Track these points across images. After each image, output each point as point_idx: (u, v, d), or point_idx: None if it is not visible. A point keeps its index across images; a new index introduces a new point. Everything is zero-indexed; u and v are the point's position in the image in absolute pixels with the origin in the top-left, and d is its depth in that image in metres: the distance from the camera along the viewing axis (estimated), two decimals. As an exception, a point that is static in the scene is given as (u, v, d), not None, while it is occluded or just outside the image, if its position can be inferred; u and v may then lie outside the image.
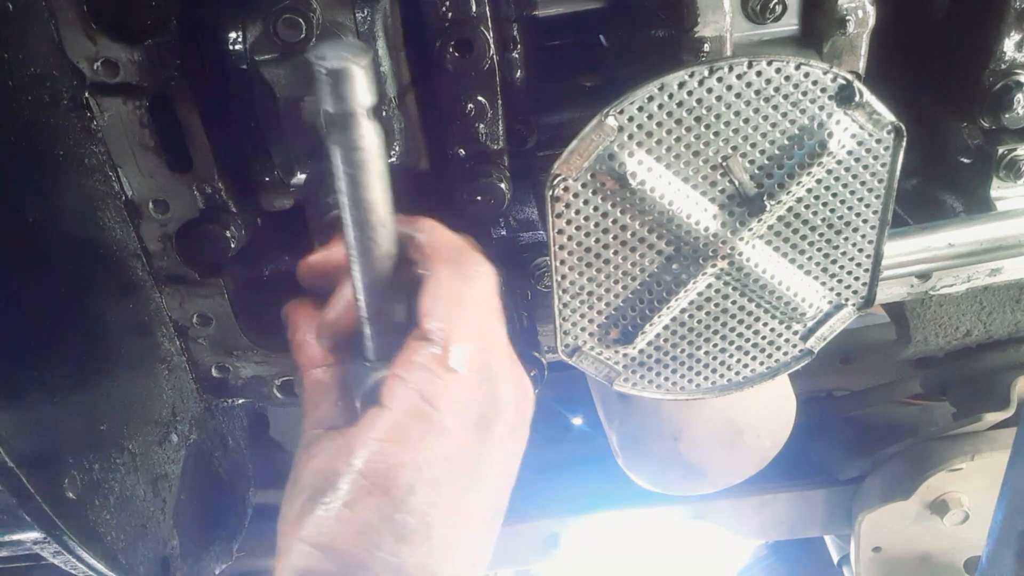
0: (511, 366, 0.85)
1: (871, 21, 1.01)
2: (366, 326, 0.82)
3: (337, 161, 0.74)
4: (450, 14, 1.01)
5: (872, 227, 1.01)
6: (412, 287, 0.82)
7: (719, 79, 0.89)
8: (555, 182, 0.92)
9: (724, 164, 0.93)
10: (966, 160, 1.24)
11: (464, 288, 0.80)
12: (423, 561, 0.75)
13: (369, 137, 0.73)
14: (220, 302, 1.21)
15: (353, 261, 0.79)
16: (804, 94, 0.91)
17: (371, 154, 0.74)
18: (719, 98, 0.90)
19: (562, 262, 0.98)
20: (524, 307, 1.23)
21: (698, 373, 1.10)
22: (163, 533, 1.18)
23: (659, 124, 0.90)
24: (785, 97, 0.91)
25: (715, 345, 1.08)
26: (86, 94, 1.00)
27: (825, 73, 0.90)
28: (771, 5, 0.99)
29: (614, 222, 0.96)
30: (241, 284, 1.23)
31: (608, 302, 1.02)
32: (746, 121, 0.91)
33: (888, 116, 0.93)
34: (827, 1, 0.99)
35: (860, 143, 0.95)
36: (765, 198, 0.95)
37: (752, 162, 0.94)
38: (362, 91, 0.70)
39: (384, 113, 1.09)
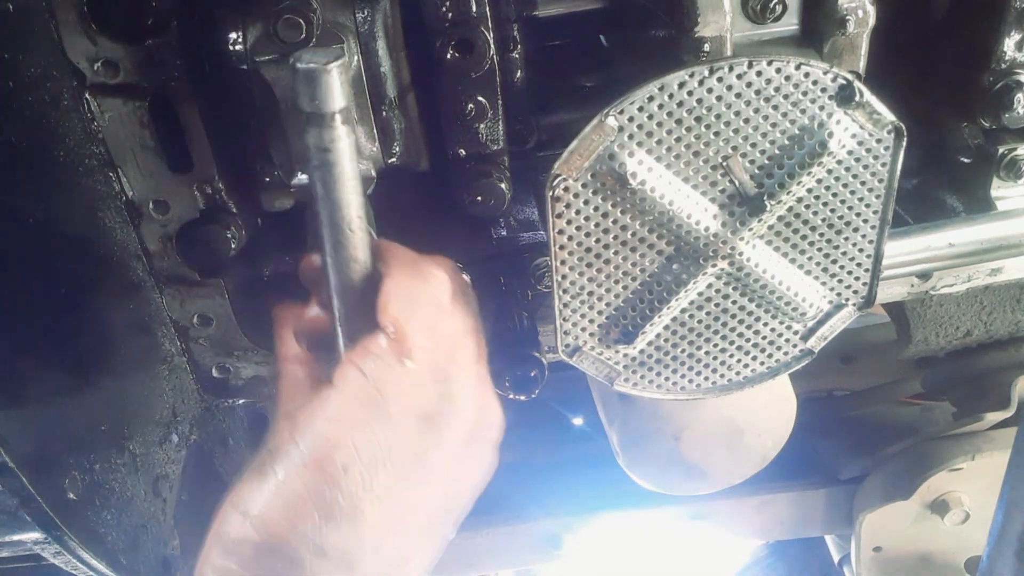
0: (473, 380, 0.87)
1: (871, 21, 1.01)
2: (338, 325, 0.84)
3: (310, 161, 0.76)
4: (450, 14, 1.01)
5: (872, 227, 1.01)
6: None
7: (719, 79, 0.89)
8: (555, 182, 0.92)
9: (724, 164, 0.93)
10: (966, 160, 1.24)
11: (418, 287, 0.83)
12: (346, 544, 0.76)
13: (340, 139, 0.75)
14: (220, 302, 1.21)
15: (326, 261, 0.81)
16: (804, 94, 0.91)
17: (341, 156, 0.75)
18: (719, 98, 0.90)
19: (562, 262, 0.98)
20: (524, 307, 1.23)
21: (698, 373, 1.10)
22: (164, 533, 1.18)
23: (659, 124, 0.90)
24: (785, 97, 0.91)
25: (715, 345, 1.08)
26: (86, 94, 1.00)
27: (825, 73, 0.90)
28: (771, 5, 0.99)
29: (614, 222, 0.96)
30: (241, 284, 1.23)
31: (608, 302, 1.02)
32: (746, 121, 0.91)
33: (888, 116, 0.93)
34: (827, 1, 0.99)
35: (860, 143, 0.95)
36: (765, 198, 0.95)
37: (752, 162, 0.94)
38: (334, 93, 0.72)
39: (384, 113, 1.09)
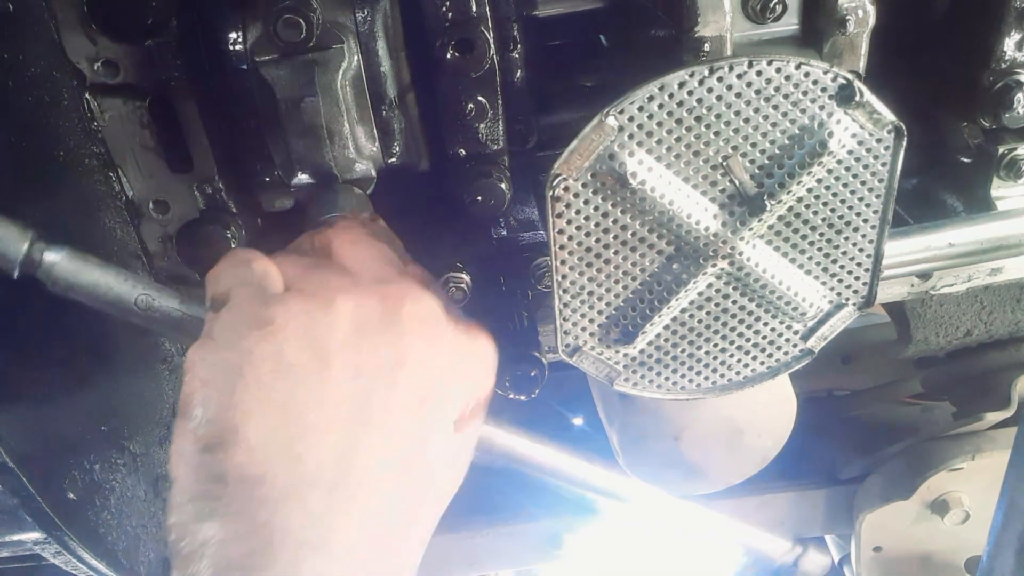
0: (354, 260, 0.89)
1: (871, 21, 1.01)
2: None
3: None
4: (450, 14, 1.01)
5: (872, 227, 1.01)
6: None
7: (719, 79, 0.89)
8: (555, 182, 0.92)
9: (724, 164, 0.93)
10: (966, 160, 1.24)
11: (222, 266, 0.85)
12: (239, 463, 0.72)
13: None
14: (220, 302, 1.20)
15: None
16: (804, 93, 0.91)
17: None
18: (719, 98, 0.90)
19: (562, 262, 0.98)
20: (524, 307, 1.23)
21: (699, 373, 1.10)
22: (164, 533, 1.18)
23: (659, 124, 0.90)
24: (785, 97, 0.91)
25: (715, 345, 1.08)
26: (86, 94, 1.00)
27: (825, 72, 0.90)
28: (771, 5, 0.99)
29: (614, 222, 0.96)
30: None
31: (608, 302, 1.02)
32: (746, 121, 0.91)
33: (888, 116, 0.93)
34: (827, 1, 0.99)
35: (860, 142, 0.95)
36: (765, 198, 0.95)
37: (752, 162, 0.94)
38: None
39: (384, 113, 1.09)
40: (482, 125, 1.08)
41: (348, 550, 0.74)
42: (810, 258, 1.03)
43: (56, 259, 0.81)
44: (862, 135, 0.94)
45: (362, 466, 0.76)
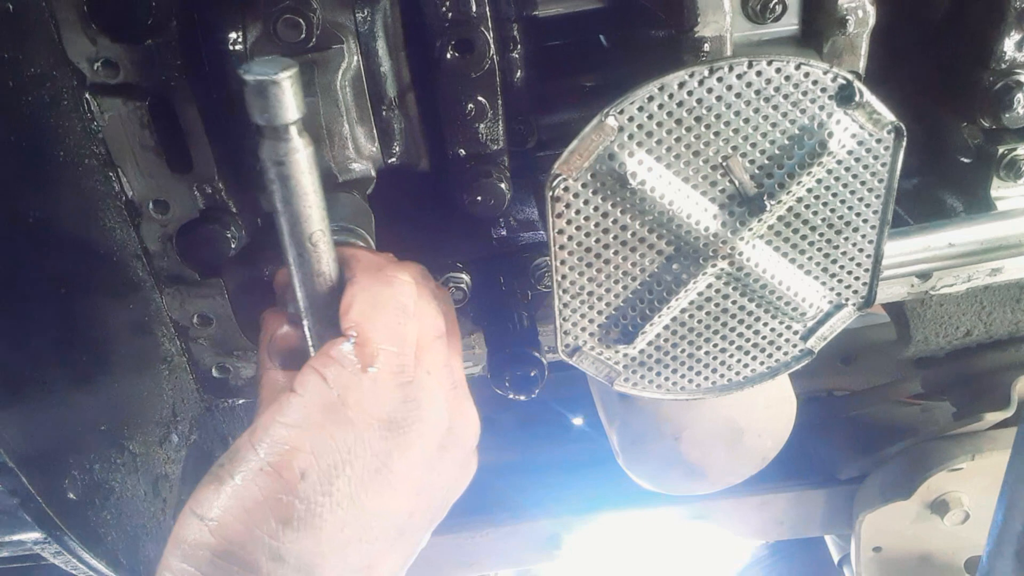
0: (442, 385, 0.86)
1: (871, 21, 1.01)
2: (308, 339, 0.84)
3: (266, 174, 0.73)
4: (450, 14, 1.01)
5: (872, 227, 1.01)
6: None
7: (719, 79, 0.89)
8: (555, 182, 0.92)
9: (724, 164, 0.93)
10: (966, 160, 1.24)
11: (382, 291, 0.82)
12: (305, 550, 0.75)
13: (295, 152, 0.72)
14: (220, 302, 1.21)
15: (291, 275, 0.80)
16: (804, 94, 0.91)
17: (296, 168, 0.73)
18: (719, 98, 0.90)
19: (562, 262, 0.98)
20: (524, 307, 1.23)
21: (698, 373, 1.10)
22: (164, 533, 1.18)
23: (659, 124, 0.90)
24: (785, 97, 0.91)
25: (715, 345, 1.08)
26: (86, 94, 1.00)
27: (825, 73, 0.90)
28: (771, 5, 0.99)
29: (614, 222, 0.96)
30: (241, 284, 1.23)
31: (608, 302, 1.02)
32: (746, 121, 0.91)
33: (888, 116, 0.93)
34: (827, 1, 0.99)
35: (860, 143, 0.95)
36: (765, 198, 0.95)
37: (752, 162, 0.94)
38: (286, 105, 0.69)
39: (384, 113, 1.09)
40: (482, 125, 1.08)
41: None
42: (810, 258, 1.03)
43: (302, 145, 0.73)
44: (862, 135, 0.94)
45: None
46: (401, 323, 0.82)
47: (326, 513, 0.76)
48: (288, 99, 0.69)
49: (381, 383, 0.79)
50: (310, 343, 0.84)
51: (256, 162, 0.74)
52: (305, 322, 0.83)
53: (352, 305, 0.80)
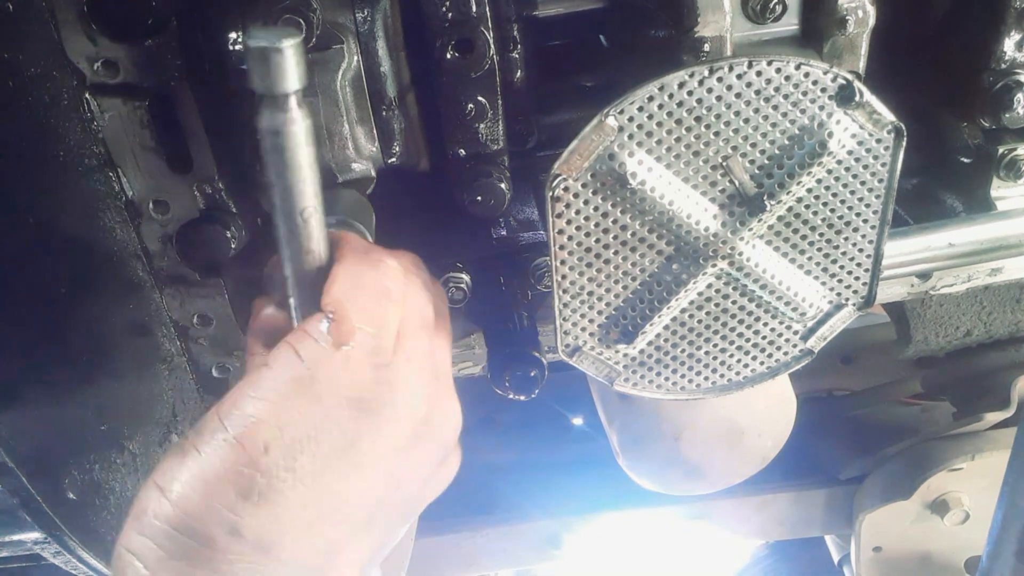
0: (420, 371, 0.84)
1: (871, 21, 1.01)
2: (294, 316, 0.82)
3: (263, 144, 0.72)
4: (450, 14, 1.01)
5: (872, 227, 1.01)
6: None
7: (719, 79, 0.89)
8: (555, 182, 0.92)
9: (724, 164, 0.93)
10: (966, 160, 1.24)
11: (365, 273, 0.81)
12: (264, 526, 0.73)
13: (293, 123, 0.70)
14: (220, 302, 1.21)
15: (281, 249, 0.79)
16: (804, 94, 0.91)
17: (292, 140, 0.71)
18: (719, 98, 0.90)
19: (562, 262, 0.98)
20: (524, 307, 1.23)
21: (698, 373, 1.10)
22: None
23: (659, 124, 0.90)
24: (785, 97, 0.91)
25: (715, 345, 1.08)
26: (86, 94, 1.00)
27: (825, 73, 0.90)
28: (771, 5, 0.99)
29: (614, 222, 0.96)
30: (241, 284, 1.23)
31: (608, 302, 1.02)
32: (746, 121, 0.91)
33: (888, 116, 0.93)
34: (827, 1, 0.99)
35: (860, 143, 0.95)
36: (765, 198, 0.95)
37: (752, 162, 0.94)
38: (287, 73, 0.68)
39: (384, 113, 1.09)
40: (482, 125, 1.08)
41: None
42: (810, 258, 1.03)
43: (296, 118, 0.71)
44: (862, 135, 0.94)
45: None
46: (382, 305, 0.81)
47: (287, 489, 0.74)
48: (290, 68, 0.68)
49: (354, 362, 0.78)
50: (295, 323, 0.83)
51: (253, 134, 0.72)
52: (292, 300, 0.82)
53: (334, 284, 0.79)
